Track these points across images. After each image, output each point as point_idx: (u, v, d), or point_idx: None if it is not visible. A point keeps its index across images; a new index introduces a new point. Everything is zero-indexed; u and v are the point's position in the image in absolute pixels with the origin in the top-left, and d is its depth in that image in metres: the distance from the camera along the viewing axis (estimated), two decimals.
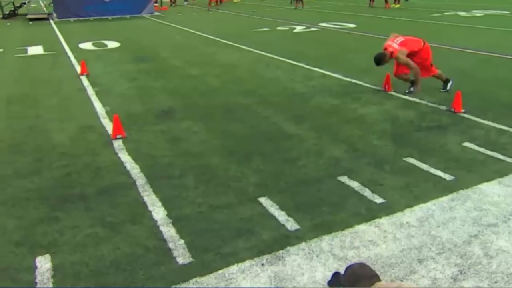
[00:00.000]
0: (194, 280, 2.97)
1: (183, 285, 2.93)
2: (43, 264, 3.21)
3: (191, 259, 3.18)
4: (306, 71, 9.08)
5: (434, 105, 6.45)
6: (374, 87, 7.54)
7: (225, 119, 6.30)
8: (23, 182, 4.44)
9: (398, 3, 23.45)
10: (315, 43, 12.89)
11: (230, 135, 5.66)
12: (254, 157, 4.94)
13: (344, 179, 4.31)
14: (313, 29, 15.92)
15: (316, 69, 9.11)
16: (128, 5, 22.87)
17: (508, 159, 4.66)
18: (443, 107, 6.36)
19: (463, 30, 14.79)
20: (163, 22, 20.08)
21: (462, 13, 19.46)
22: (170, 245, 3.35)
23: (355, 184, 4.19)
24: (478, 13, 19.45)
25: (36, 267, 3.18)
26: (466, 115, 6.02)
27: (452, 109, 6.15)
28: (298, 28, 16.10)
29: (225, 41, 13.41)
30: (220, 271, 3.03)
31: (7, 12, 22.81)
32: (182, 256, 3.22)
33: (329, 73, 8.73)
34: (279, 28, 16.42)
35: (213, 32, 15.25)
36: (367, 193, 4.02)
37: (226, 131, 5.81)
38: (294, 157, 4.93)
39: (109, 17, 22.03)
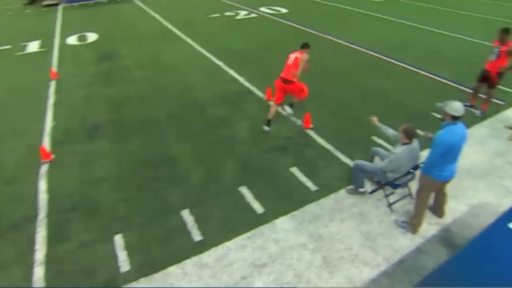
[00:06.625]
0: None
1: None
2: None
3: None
4: (223, 73, 8.21)
5: (298, 120, 5.95)
6: (262, 95, 6.93)
7: (136, 136, 5.67)
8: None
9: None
10: (246, 35, 11.58)
11: (132, 158, 5.14)
12: (130, 182, 4.60)
13: (185, 213, 4.08)
14: (253, 15, 14.38)
15: (230, 71, 8.26)
16: None
17: (313, 187, 4.28)
18: (299, 122, 5.84)
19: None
20: (141, 5, 17.99)
21: None
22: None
23: (190, 219, 4.01)
24: None
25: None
26: (310, 132, 5.51)
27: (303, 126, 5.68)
28: (241, 14, 14.55)
29: (176, 31, 12.05)
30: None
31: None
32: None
33: (237, 77, 7.92)
34: (226, 13, 14.79)
35: (172, 19, 13.74)
36: (194, 231, 3.85)
37: (131, 152, 5.27)
38: (173, 181, 4.58)
39: (105, 0, 19.77)
